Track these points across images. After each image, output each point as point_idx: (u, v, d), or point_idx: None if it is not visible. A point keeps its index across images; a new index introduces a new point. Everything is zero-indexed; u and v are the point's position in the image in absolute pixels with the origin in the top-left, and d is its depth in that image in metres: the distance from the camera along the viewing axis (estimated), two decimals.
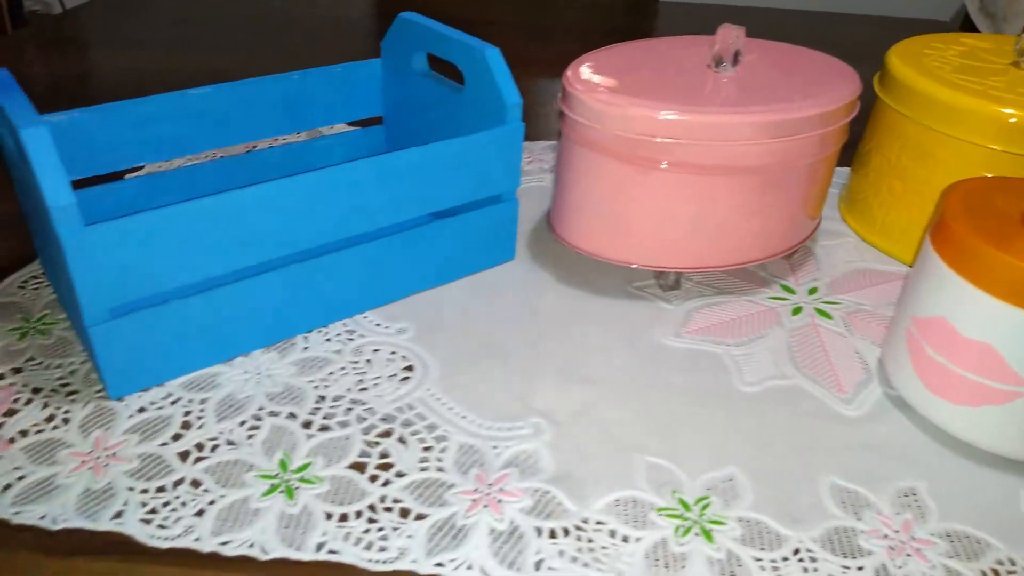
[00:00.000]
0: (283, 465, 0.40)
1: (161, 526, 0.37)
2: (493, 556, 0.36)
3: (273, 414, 0.43)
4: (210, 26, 1.05)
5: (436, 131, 0.57)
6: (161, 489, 0.38)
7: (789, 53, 0.55)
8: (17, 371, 0.45)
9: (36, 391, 0.43)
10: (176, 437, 0.41)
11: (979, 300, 0.39)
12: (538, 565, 0.35)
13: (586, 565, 0.35)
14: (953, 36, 0.62)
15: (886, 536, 0.37)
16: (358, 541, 0.36)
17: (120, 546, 0.36)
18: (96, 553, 0.35)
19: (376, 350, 0.47)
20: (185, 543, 0.36)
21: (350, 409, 0.43)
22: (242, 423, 0.42)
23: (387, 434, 0.42)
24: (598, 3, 1.23)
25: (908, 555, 0.36)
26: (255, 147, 0.69)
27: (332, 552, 0.36)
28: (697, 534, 0.37)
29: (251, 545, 0.36)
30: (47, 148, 0.37)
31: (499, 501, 0.38)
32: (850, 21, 1.17)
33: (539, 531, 0.37)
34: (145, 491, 0.38)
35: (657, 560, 0.36)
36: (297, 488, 0.39)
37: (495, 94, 0.49)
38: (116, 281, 0.40)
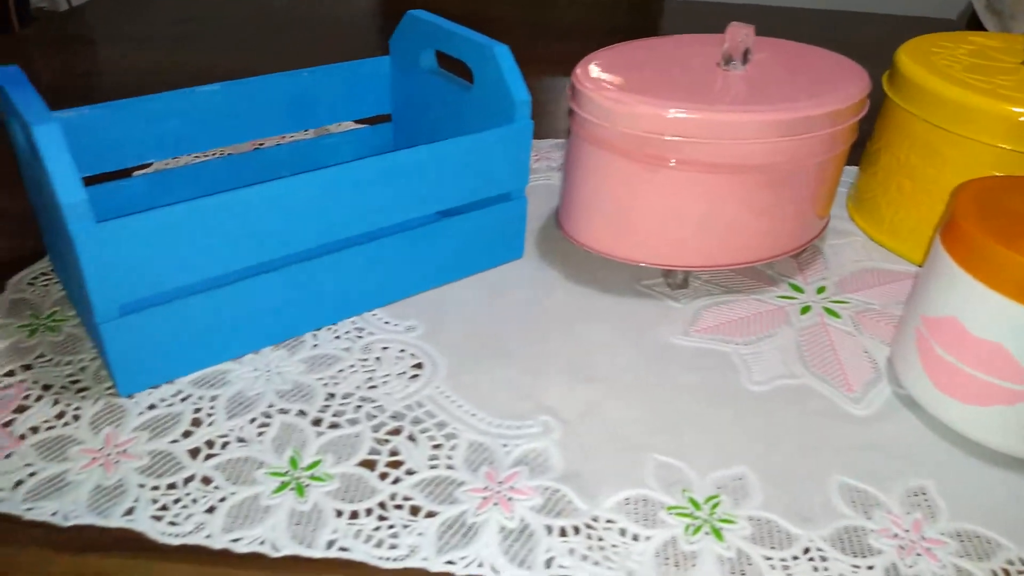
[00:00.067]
0: (293, 462, 0.40)
1: (172, 523, 0.37)
2: (503, 554, 0.36)
3: (283, 411, 0.43)
4: (215, 24, 1.05)
5: (444, 129, 0.57)
6: (172, 486, 0.38)
7: (798, 51, 0.55)
8: (27, 368, 0.45)
9: (46, 388, 0.44)
10: (186, 434, 0.41)
11: (989, 299, 0.39)
12: (548, 563, 0.35)
13: (596, 564, 0.35)
14: (962, 35, 0.61)
15: (896, 535, 0.37)
16: (369, 539, 0.36)
17: (131, 543, 0.36)
18: (107, 550, 0.36)
19: (385, 348, 0.47)
20: (196, 540, 0.36)
21: (359, 407, 0.43)
22: (252, 420, 0.42)
23: (397, 432, 0.42)
24: (601, 1, 1.23)
25: (918, 554, 0.36)
26: (262, 145, 0.69)
27: (343, 549, 0.36)
28: (707, 533, 0.37)
29: (262, 542, 0.36)
30: (59, 145, 0.37)
31: (509, 499, 0.38)
32: (855, 19, 1.17)
33: (549, 529, 0.37)
34: (156, 488, 0.38)
35: (667, 559, 0.36)
36: (307, 485, 0.39)
37: (504, 91, 0.49)
38: (127, 278, 0.40)
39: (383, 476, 0.39)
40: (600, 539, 0.37)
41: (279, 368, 0.45)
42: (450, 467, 0.40)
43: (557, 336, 0.49)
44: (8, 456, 0.39)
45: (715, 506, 0.38)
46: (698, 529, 0.37)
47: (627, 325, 0.50)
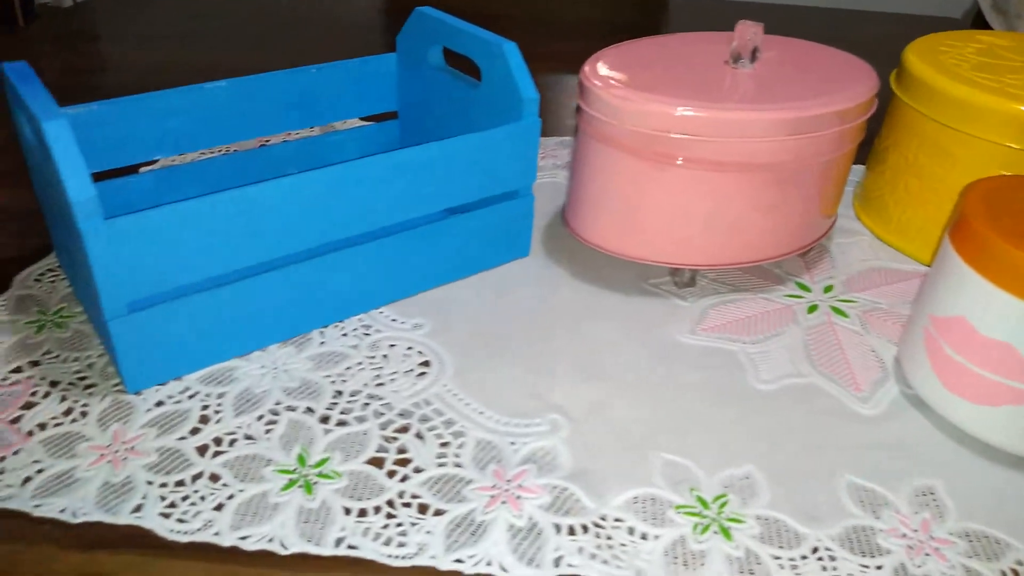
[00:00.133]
0: (301, 460, 0.40)
1: (180, 520, 0.37)
2: (512, 552, 0.36)
3: (290, 409, 0.43)
4: (219, 21, 1.05)
5: (450, 126, 0.57)
6: (180, 483, 0.38)
7: (807, 50, 0.55)
8: (35, 364, 0.45)
9: (54, 384, 0.44)
10: (194, 431, 0.41)
11: (999, 299, 0.38)
12: (557, 562, 0.35)
13: (605, 562, 0.35)
14: (971, 33, 0.61)
15: (904, 535, 0.37)
16: (377, 536, 0.36)
17: (139, 540, 0.36)
18: (116, 547, 0.36)
19: (392, 345, 0.47)
20: (205, 537, 0.36)
21: (367, 404, 0.43)
22: (260, 417, 0.42)
23: (404, 429, 0.42)
24: None
25: (927, 554, 0.36)
26: (268, 142, 0.69)
27: (351, 547, 0.36)
28: (716, 532, 0.37)
29: (270, 540, 0.36)
30: (68, 141, 0.37)
31: (517, 497, 0.38)
32: (859, 18, 1.17)
33: (558, 528, 0.37)
34: (164, 485, 0.38)
35: (676, 558, 0.36)
36: (316, 483, 0.39)
37: (512, 89, 0.49)
38: (135, 275, 0.40)
39: (391, 474, 0.39)
40: (609, 538, 0.37)
41: (286, 365, 0.45)
42: (458, 465, 0.40)
43: (564, 334, 0.49)
44: (16, 452, 0.39)
45: (723, 505, 0.38)
46: (706, 528, 0.37)
47: (634, 323, 0.50)
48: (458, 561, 0.35)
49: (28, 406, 0.42)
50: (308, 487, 0.38)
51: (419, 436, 0.41)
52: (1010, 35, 0.61)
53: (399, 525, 0.37)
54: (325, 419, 0.42)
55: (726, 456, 0.41)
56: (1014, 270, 0.38)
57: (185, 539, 0.36)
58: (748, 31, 0.50)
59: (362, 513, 0.37)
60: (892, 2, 1.41)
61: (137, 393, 0.43)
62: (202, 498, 0.38)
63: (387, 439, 0.41)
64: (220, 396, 0.43)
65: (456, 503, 0.38)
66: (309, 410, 0.43)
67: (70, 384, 0.44)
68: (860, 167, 0.69)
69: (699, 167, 0.47)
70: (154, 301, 0.42)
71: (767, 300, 0.53)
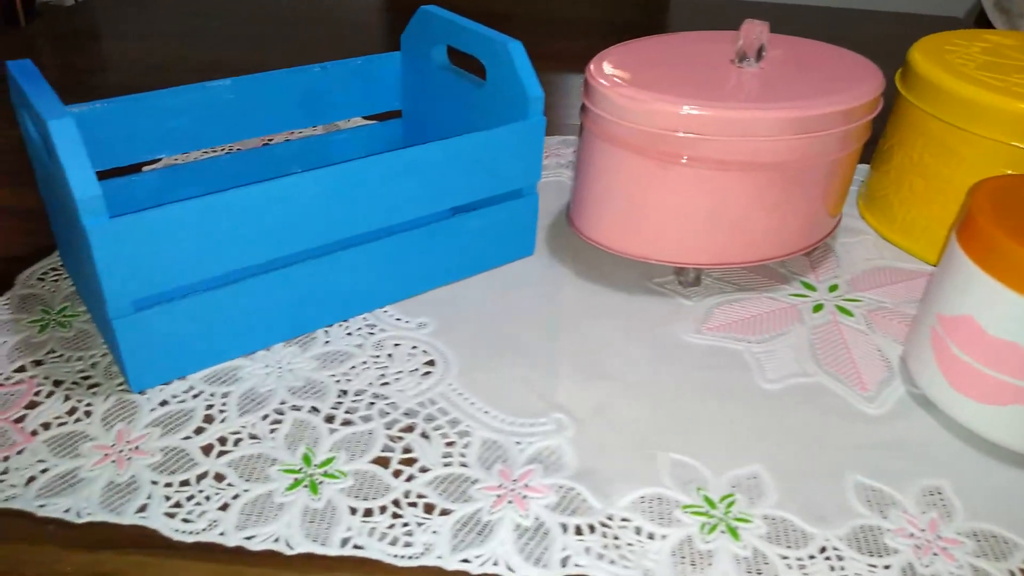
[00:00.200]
0: (307, 459, 0.40)
1: (185, 520, 0.36)
2: (519, 552, 0.36)
3: (295, 408, 0.42)
4: (219, 20, 1.04)
5: (454, 125, 0.57)
6: (185, 483, 0.38)
7: (812, 49, 0.55)
8: (38, 363, 0.45)
9: (57, 384, 0.43)
10: (199, 431, 0.41)
11: (1007, 298, 0.38)
12: (564, 562, 0.35)
13: (612, 562, 0.35)
14: (976, 32, 0.61)
15: (912, 535, 0.37)
16: (383, 536, 0.36)
17: (144, 540, 0.36)
18: (121, 547, 0.35)
19: (397, 344, 0.47)
20: (210, 537, 0.36)
21: (372, 403, 0.43)
22: (264, 417, 0.42)
23: (410, 429, 0.42)
24: None
25: (935, 554, 0.36)
26: (271, 141, 0.69)
27: (357, 547, 0.36)
28: (723, 532, 0.37)
29: (276, 540, 0.36)
30: (74, 139, 0.37)
31: (524, 497, 0.38)
32: (861, 17, 1.16)
33: (564, 528, 0.37)
34: (169, 485, 0.38)
35: (683, 558, 0.36)
36: (321, 483, 0.38)
37: (518, 87, 0.49)
38: (140, 274, 0.39)
39: (397, 473, 0.39)
40: (616, 538, 0.36)
41: (291, 365, 0.45)
42: (464, 465, 0.40)
43: (569, 334, 0.49)
44: (20, 452, 0.39)
45: (730, 505, 0.38)
46: (714, 528, 0.37)
47: (639, 323, 0.50)
48: (465, 561, 0.35)
49: (32, 405, 0.42)
50: (314, 487, 0.38)
51: (424, 436, 0.41)
52: (1016, 34, 0.61)
53: (405, 525, 0.37)
54: (330, 418, 0.42)
55: (733, 456, 0.41)
56: (1022, 269, 0.37)
57: (190, 539, 0.36)
58: (754, 30, 0.50)
59: (368, 513, 0.37)
60: (894, 1, 1.41)
61: (141, 392, 0.43)
62: (207, 498, 0.37)
63: (392, 439, 0.41)
64: (224, 395, 0.43)
65: (462, 503, 0.38)
66: (314, 409, 0.42)
67: (74, 383, 0.43)
68: (864, 166, 0.69)
69: (704, 166, 0.47)
70: (158, 300, 0.42)
71: (772, 299, 0.53)
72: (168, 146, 0.53)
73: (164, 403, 0.42)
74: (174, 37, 0.97)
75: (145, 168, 0.63)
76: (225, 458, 0.40)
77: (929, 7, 1.39)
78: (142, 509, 0.37)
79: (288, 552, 0.35)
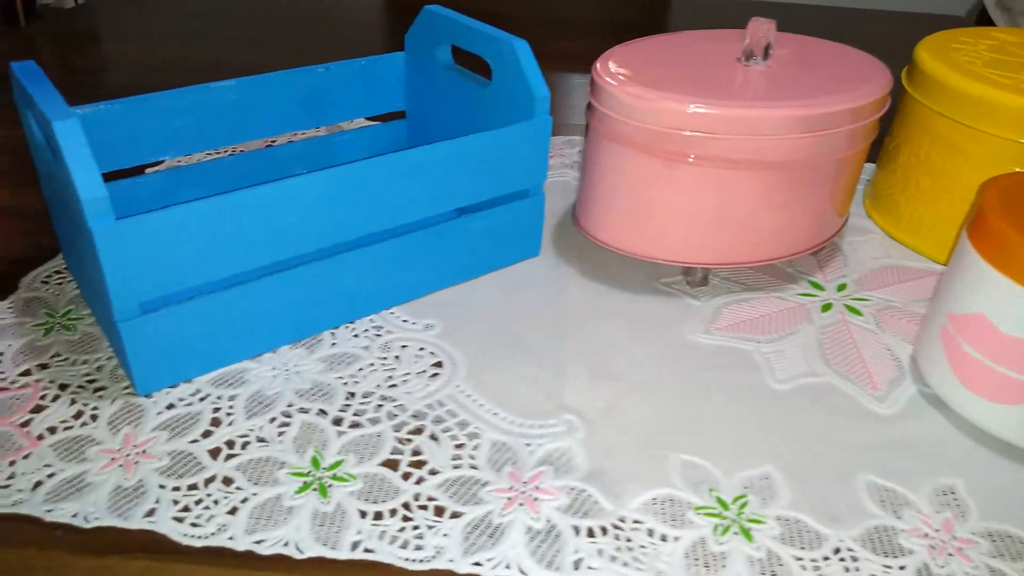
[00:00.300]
0: (315, 462, 0.39)
1: (194, 524, 0.36)
2: (531, 555, 0.35)
3: (303, 411, 0.42)
4: (219, 20, 1.04)
5: (458, 125, 0.56)
6: (193, 487, 0.38)
7: (819, 47, 0.55)
8: (43, 367, 0.44)
9: (63, 387, 0.43)
10: (206, 434, 0.41)
11: (1019, 296, 0.38)
12: (577, 564, 0.35)
13: (625, 564, 0.35)
14: (983, 30, 0.61)
15: (927, 535, 0.37)
16: (394, 540, 0.36)
17: (153, 544, 0.35)
18: (129, 551, 0.35)
19: (404, 346, 0.47)
20: (219, 542, 0.35)
21: (380, 406, 0.43)
22: (272, 420, 0.42)
23: (418, 431, 0.41)
24: None
25: (950, 554, 0.36)
26: (274, 142, 0.69)
27: (368, 551, 0.35)
28: (736, 533, 0.37)
29: (286, 544, 0.35)
30: (79, 140, 0.36)
31: (535, 499, 0.38)
32: (862, 16, 1.16)
33: (576, 530, 0.36)
34: (177, 489, 0.38)
35: (697, 559, 0.35)
36: (330, 486, 0.38)
37: (524, 87, 0.49)
38: (146, 276, 0.39)
39: (406, 476, 0.39)
40: (628, 540, 0.36)
41: (297, 367, 0.45)
42: (473, 467, 0.39)
43: (577, 334, 0.48)
44: (26, 456, 0.39)
45: (743, 506, 0.38)
46: (727, 529, 0.37)
47: (647, 323, 0.50)
48: (476, 564, 0.35)
49: (37, 409, 0.42)
50: (323, 490, 0.38)
51: (433, 438, 0.41)
52: (1022, 32, 0.61)
53: (416, 528, 0.36)
54: (338, 421, 0.42)
55: (744, 456, 0.41)
56: None
57: (199, 543, 0.35)
58: (761, 28, 0.50)
59: (378, 516, 0.37)
60: (894, 0, 1.40)
61: (147, 396, 0.43)
62: (215, 502, 0.37)
63: (401, 441, 0.41)
64: (231, 398, 0.43)
65: (473, 505, 0.37)
66: (322, 412, 0.42)
67: (79, 387, 0.43)
68: (870, 165, 0.69)
69: (711, 165, 0.47)
70: (164, 302, 0.41)
71: (780, 299, 0.52)
72: (171, 148, 0.52)
73: (171, 406, 0.42)
74: (174, 38, 0.97)
75: (148, 170, 0.63)
76: (233, 461, 0.39)
77: (930, 6, 1.39)
78: (150, 513, 0.36)
79: (298, 556, 0.35)
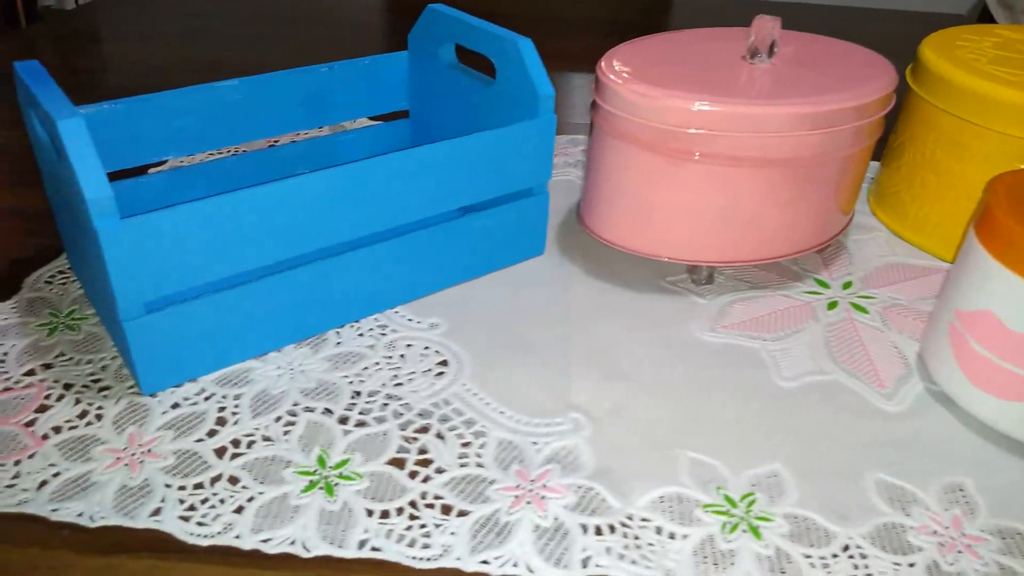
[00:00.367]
0: (321, 461, 0.39)
1: (200, 523, 0.36)
2: (538, 553, 0.35)
3: (308, 410, 0.42)
4: (220, 21, 1.04)
5: (462, 124, 0.56)
6: (199, 486, 0.38)
7: (824, 45, 0.55)
8: (47, 367, 0.44)
9: (67, 387, 0.43)
10: (211, 433, 0.40)
11: None
12: (585, 562, 0.35)
13: (634, 562, 0.35)
14: (987, 27, 0.61)
15: (935, 532, 0.37)
16: (401, 538, 0.36)
17: (159, 544, 0.35)
18: (135, 551, 0.35)
19: (409, 345, 0.47)
20: (225, 540, 0.35)
21: (386, 404, 0.43)
22: (277, 419, 0.41)
23: (425, 430, 0.41)
24: None
25: (959, 552, 0.36)
26: (277, 142, 0.69)
27: (375, 549, 0.35)
28: (744, 531, 0.36)
29: (292, 542, 0.35)
30: (84, 139, 0.36)
31: (542, 498, 0.38)
32: (863, 15, 1.16)
33: (584, 528, 0.36)
34: (182, 488, 0.38)
35: (705, 557, 0.35)
36: (337, 484, 0.38)
37: (528, 86, 0.49)
38: (151, 275, 0.39)
39: (413, 475, 0.39)
40: (636, 537, 0.36)
41: (303, 366, 0.45)
42: (480, 465, 0.39)
43: (582, 333, 0.48)
44: (31, 456, 0.39)
45: (751, 504, 0.38)
46: (735, 527, 0.37)
47: (652, 321, 0.50)
48: (484, 563, 0.35)
49: (42, 409, 0.41)
50: (329, 489, 0.38)
51: (440, 436, 0.41)
52: None
53: (423, 526, 0.36)
54: (344, 420, 0.42)
55: (752, 454, 0.40)
56: None
57: (205, 542, 0.35)
58: (766, 26, 0.50)
59: (385, 514, 0.37)
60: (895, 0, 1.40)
61: (152, 395, 0.42)
62: (221, 501, 0.37)
63: (407, 439, 0.41)
64: (237, 398, 0.43)
65: (480, 503, 0.37)
66: (327, 411, 0.42)
67: (84, 387, 0.43)
68: (874, 163, 0.69)
69: (716, 162, 0.47)
70: (169, 302, 0.41)
71: (786, 297, 0.52)
72: (174, 147, 0.52)
73: (176, 406, 0.42)
74: (174, 38, 0.97)
75: (150, 170, 0.63)
76: (239, 460, 0.39)
77: (930, 4, 1.39)
78: (156, 513, 0.36)
79: (305, 555, 0.35)
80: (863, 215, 0.62)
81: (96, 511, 0.36)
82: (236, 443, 0.40)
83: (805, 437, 0.42)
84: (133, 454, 0.39)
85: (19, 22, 0.93)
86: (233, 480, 0.38)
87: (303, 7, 1.11)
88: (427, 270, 0.50)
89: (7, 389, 0.43)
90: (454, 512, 0.37)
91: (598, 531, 0.36)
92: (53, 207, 0.49)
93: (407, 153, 0.45)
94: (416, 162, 0.45)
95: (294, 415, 0.42)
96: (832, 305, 0.51)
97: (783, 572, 0.35)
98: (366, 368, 0.45)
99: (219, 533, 0.36)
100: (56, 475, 0.38)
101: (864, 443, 0.41)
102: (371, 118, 0.73)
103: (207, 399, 0.42)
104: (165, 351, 0.42)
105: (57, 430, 0.40)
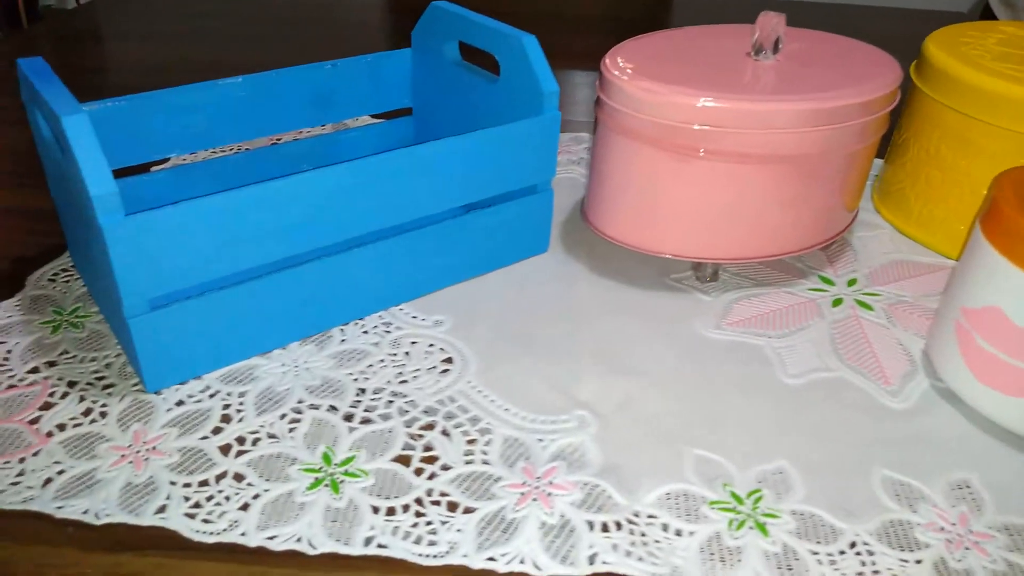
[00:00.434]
0: (326, 458, 0.39)
1: (206, 520, 0.36)
2: (545, 550, 0.35)
3: (313, 407, 0.42)
4: (220, 20, 1.04)
5: (466, 121, 0.56)
6: (204, 483, 0.38)
7: (829, 41, 0.55)
8: (52, 364, 0.44)
9: (72, 385, 0.43)
10: (216, 430, 0.40)
11: None
12: (592, 559, 0.35)
13: (640, 559, 0.35)
14: (991, 24, 0.61)
15: (943, 529, 0.37)
16: (407, 535, 0.36)
17: (165, 541, 0.35)
18: (141, 548, 0.35)
19: (414, 342, 0.47)
20: (231, 538, 0.35)
21: (391, 402, 0.42)
22: (283, 416, 0.41)
23: (430, 427, 0.41)
24: None
25: (967, 548, 0.36)
26: (280, 140, 0.68)
27: (381, 546, 0.35)
28: (751, 527, 0.36)
29: (298, 539, 0.35)
30: (89, 135, 0.36)
31: (548, 495, 0.38)
32: (864, 13, 1.16)
33: (591, 525, 0.36)
34: (188, 485, 0.37)
35: (712, 554, 0.35)
36: (342, 481, 0.38)
37: (533, 83, 0.49)
38: (156, 272, 0.39)
39: (418, 472, 0.39)
40: (643, 534, 0.36)
41: (307, 363, 0.45)
42: (486, 462, 0.39)
43: (587, 330, 0.48)
44: (36, 454, 0.39)
45: (757, 500, 0.38)
46: (742, 524, 0.37)
47: (657, 318, 0.49)
48: (491, 560, 0.35)
49: (46, 407, 0.41)
50: (335, 486, 0.38)
51: (445, 433, 0.41)
52: None
53: (429, 524, 0.36)
54: (349, 417, 0.41)
55: (758, 451, 0.40)
56: None
57: (211, 540, 0.35)
58: (770, 22, 0.50)
59: (391, 512, 0.37)
60: None
61: (157, 393, 0.42)
62: (227, 498, 0.37)
63: (413, 437, 0.41)
64: (241, 395, 0.42)
65: (486, 501, 0.37)
66: (332, 408, 0.42)
67: (88, 384, 0.43)
68: (878, 160, 0.69)
69: (721, 159, 0.46)
70: (174, 299, 0.41)
71: (791, 294, 0.52)
72: (177, 145, 0.52)
73: (180, 403, 0.42)
74: (175, 38, 0.97)
75: (153, 168, 0.63)
76: (244, 458, 0.39)
77: (932, 2, 1.39)
78: (161, 510, 0.36)
79: (311, 552, 0.35)
80: (867, 212, 0.62)
81: (101, 508, 0.36)
82: (241, 440, 0.40)
83: (811, 434, 0.42)
84: (138, 451, 0.39)
85: (21, 22, 0.93)
86: (238, 477, 0.38)
87: (304, 7, 1.11)
88: (431, 267, 0.50)
89: (11, 387, 0.43)
90: (460, 509, 0.37)
91: (604, 528, 0.36)
92: (57, 205, 0.49)
93: (411, 150, 0.44)
94: (420, 159, 0.45)
95: (299, 412, 0.42)
96: (837, 302, 0.51)
97: (790, 569, 0.35)
98: (371, 365, 0.45)
99: (224, 530, 0.36)
100: (61, 472, 0.38)
101: (870, 440, 0.41)
102: (375, 115, 0.73)
103: (212, 396, 0.42)
104: (169, 348, 0.41)
105: (62, 428, 0.40)
